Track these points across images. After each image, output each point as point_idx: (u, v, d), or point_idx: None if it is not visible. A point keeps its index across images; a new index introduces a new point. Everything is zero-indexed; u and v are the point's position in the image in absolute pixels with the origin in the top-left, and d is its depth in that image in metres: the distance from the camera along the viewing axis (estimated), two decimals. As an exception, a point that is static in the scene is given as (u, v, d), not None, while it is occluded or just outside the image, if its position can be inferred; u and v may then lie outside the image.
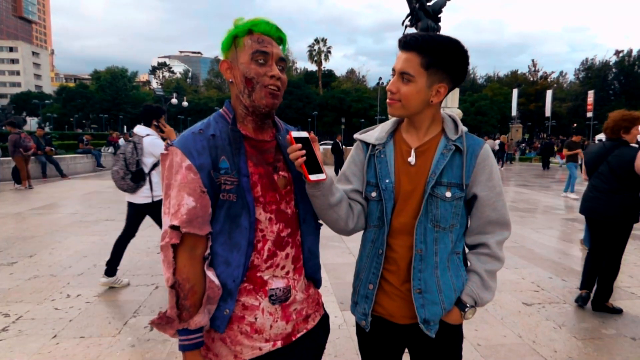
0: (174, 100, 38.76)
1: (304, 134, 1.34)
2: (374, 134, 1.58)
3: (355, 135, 1.63)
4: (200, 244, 1.29)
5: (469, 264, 1.54)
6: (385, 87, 1.55)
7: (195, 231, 1.24)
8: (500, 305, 4.15)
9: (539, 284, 4.84)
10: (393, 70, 1.43)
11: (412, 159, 1.48)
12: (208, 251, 1.30)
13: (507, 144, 27.44)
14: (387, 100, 1.45)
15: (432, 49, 1.35)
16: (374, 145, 1.55)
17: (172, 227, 1.24)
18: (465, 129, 1.51)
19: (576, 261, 5.80)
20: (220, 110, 1.42)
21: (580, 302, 4.14)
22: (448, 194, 1.43)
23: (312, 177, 1.29)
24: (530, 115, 63.21)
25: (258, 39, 1.31)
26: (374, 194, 1.51)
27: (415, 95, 1.40)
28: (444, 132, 1.50)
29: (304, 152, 1.28)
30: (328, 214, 1.43)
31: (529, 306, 4.17)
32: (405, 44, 1.38)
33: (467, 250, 1.58)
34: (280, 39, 1.38)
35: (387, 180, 1.48)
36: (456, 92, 18.20)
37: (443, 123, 1.52)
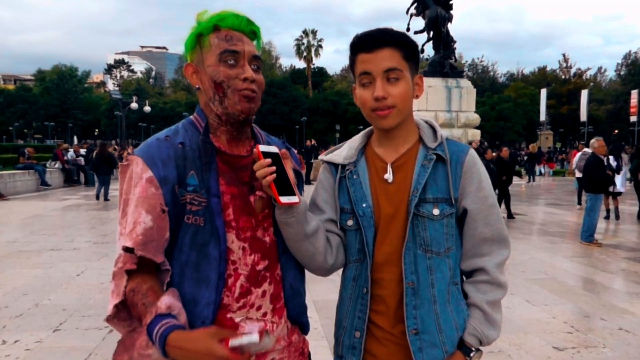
0: (134, 105, 38.23)
1: (274, 149, 1.35)
2: (342, 152, 1.60)
3: (321, 157, 1.65)
4: (154, 272, 1.28)
5: (468, 296, 1.54)
6: None
7: (150, 256, 1.23)
8: (526, 350, 4.17)
9: (572, 324, 4.88)
10: (369, 74, 1.43)
11: (389, 176, 1.50)
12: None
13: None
14: (376, 113, 1.45)
15: (403, 41, 1.44)
16: (343, 166, 1.56)
17: (126, 250, 1.23)
18: (444, 134, 1.54)
19: (618, 296, 5.85)
20: (191, 116, 1.43)
21: None
22: (436, 212, 1.45)
23: (284, 200, 1.30)
24: (562, 120, 63.89)
25: (226, 35, 1.32)
26: (350, 222, 1.52)
27: (409, 93, 1.46)
28: (422, 141, 1.53)
29: (273, 168, 1.28)
30: (303, 247, 1.43)
31: (560, 351, 4.20)
32: (378, 40, 1.42)
33: (463, 278, 1.59)
34: (254, 33, 1.40)
35: (364, 205, 1.49)
36: (472, 93, 18.34)
37: (419, 130, 1.55)
